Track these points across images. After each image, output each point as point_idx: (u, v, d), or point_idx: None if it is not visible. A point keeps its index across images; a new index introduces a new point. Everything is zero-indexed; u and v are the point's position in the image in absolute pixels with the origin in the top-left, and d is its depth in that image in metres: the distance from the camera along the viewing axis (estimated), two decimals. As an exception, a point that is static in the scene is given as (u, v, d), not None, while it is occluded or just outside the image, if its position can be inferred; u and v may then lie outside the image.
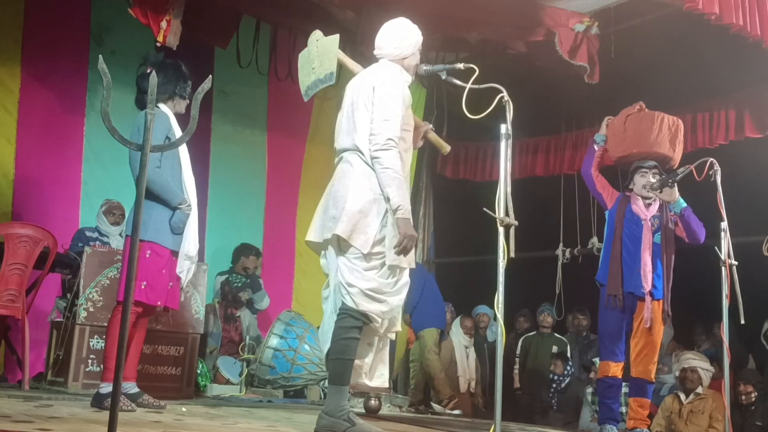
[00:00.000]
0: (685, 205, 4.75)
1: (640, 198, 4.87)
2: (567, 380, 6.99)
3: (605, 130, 5.11)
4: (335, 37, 3.60)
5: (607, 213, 5.01)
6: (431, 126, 3.95)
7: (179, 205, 4.04)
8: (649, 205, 4.85)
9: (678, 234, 4.87)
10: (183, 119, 4.18)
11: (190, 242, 4.11)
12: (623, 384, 4.99)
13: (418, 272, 5.40)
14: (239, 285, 6.63)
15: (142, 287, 3.91)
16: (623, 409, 5.39)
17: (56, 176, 6.20)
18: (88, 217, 6.20)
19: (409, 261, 3.43)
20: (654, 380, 4.86)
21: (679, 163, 4.98)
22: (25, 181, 6.02)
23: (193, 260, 4.17)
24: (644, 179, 4.86)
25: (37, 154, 6.10)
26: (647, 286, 4.70)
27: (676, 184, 4.65)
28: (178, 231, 4.06)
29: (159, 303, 4.05)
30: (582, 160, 5.42)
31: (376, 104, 3.40)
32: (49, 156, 6.16)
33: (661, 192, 4.71)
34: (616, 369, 4.81)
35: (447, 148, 4.14)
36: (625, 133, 4.98)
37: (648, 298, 4.70)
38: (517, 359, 7.42)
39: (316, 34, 3.69)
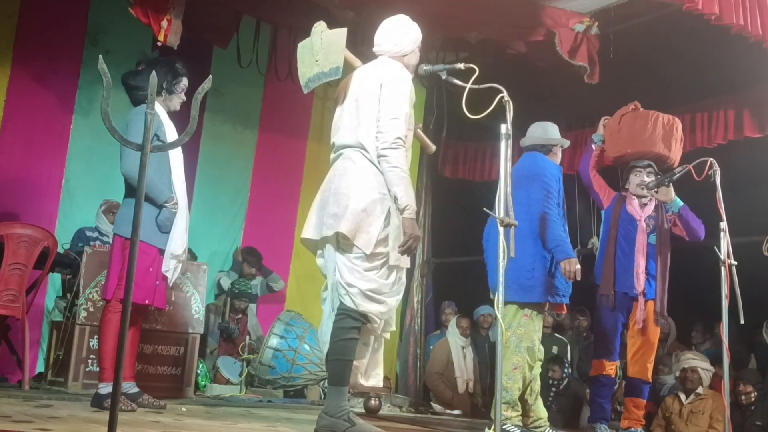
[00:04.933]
0: (682, 204, 4.76)
1: (635, 198, 4.89)
2: (565, 382, 7.01)
3: (602, 130, 5.15)
4: (342, 31, 3.52)
5: (603, 212, 5.02)
6: (420, 124, 3.94)
7: (165, 203, 4.02)
8: (645, 205, 4.86)
9: (677, 233, 4.88)
10: (179, 118, 4.20)
11: (176, 241, 4.08)
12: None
13: None
14: (236, 291, 6.64)
15: None
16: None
17: (38, 174, 6.19)
18: (67, 215, 6.21)
19: (407, 261, 3.42)
20: (650, 380, 4.87)
21: (678, 161, 4.99)
22: (5, 178, 6.01)
23: (179, 259, 4.14)
24: (638, 178, 4.90)
25: (20, 152, 6.10)
26: (639, 287, 4.72)
27: (672, 183, 4.66)
28: (165, 229, 4.04)
29: (147, 301, 4.04)
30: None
31: (384, 102, 3.36)
32: (33, 154, 6.15)
33: (657, 192, 4.72)
34: (610, 368, 4.83)
35: (432, 148, 4.12)
36: (620, 133, 5.02)
37: (641, 299, 4.72)
38: (517, 359, 7.43)
39: (320, 26, 3.62)
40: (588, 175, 5.06)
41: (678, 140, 4.98)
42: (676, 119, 5.02)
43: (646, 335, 4.75)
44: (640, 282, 4.72)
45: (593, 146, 5.12)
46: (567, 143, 4.71)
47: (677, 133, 4.97)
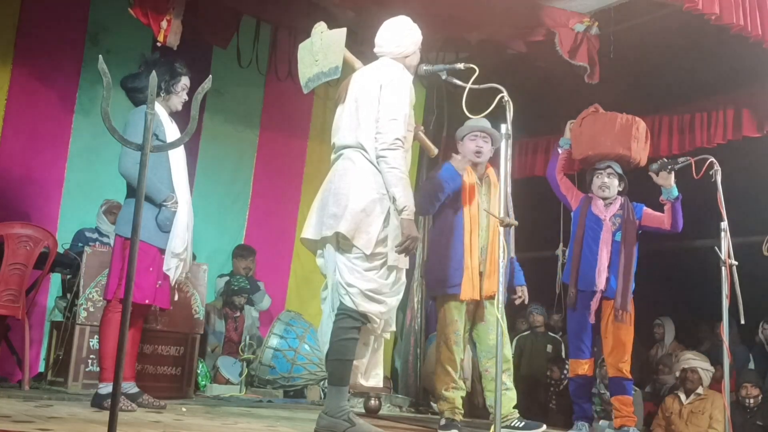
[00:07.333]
0: (677, 194, 4.80)
1: (600, 199, 4.94)
2: (564, 383, 7.02)
3: (569, 134, 5.20)
4: (342, 31, 3.54)
5: (572, 214, 5.10)
6: (422, 127, 3.94)
7: (164, 203, 4.01)
8: (609, 204, 4.93)
9: (649, 227, 4.89)
10: (179, 118, 4.19)
11: (177, 240, 4.06)
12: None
13: None
14: (236, 288, 6.63)
15: None
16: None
17: (39, 175, 6.17)
18: (68, 216, 6.20)
19: (406, 262, 3.43)
20: (630, 377, 4.87)
21: (645, 160, 5.04)
22: (6, 179, 6.00)
23: (180, 258, 4.12)
24: (599, 180, 4.97)
25: (21, 152, 6.09)
26: (600, 284, 4.78)
27: (674, 171, 4.70)
28: (165, 229, 4.02)
29: (147, 301, 4.03)
30: None
31: (384, 103, 3.37)
32: (34, 155, 6.13)
33: (657, 176, 4.76)
34: (585, 366, 4.87)
35: (435, 151, 4.13)
36: (582, 136, 5.13)
37: (598, 295, 4.78)
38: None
39: (321, 26, 3.63)
40: (554, 178, 5.15)
41: (640, 139, 5.01)
42: (636, 118, 5.04)
43: (616, 334, 4.77)
44: (601, 279, 4.77)
45: (559, 150, 5.20)
46: (478, 131, 4.44)
47: (638, 132, 4.99)
